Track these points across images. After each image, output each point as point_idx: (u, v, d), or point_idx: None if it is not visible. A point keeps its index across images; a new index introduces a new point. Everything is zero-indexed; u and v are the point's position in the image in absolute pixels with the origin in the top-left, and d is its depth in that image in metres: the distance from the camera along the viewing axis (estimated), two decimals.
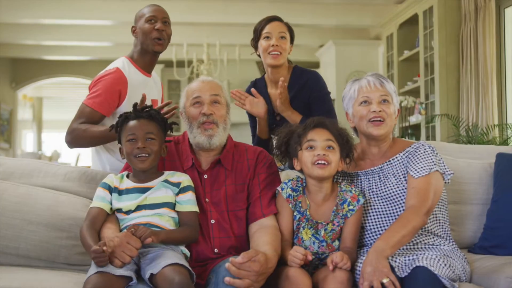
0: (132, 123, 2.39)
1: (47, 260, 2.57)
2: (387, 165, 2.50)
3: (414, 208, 2.31)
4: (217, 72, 9.13)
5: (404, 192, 2.41)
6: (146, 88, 3.10)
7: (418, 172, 2.38)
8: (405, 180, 2.43)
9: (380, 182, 2.49)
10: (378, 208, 2.45)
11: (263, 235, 2.35)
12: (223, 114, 2.53)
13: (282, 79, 3.08)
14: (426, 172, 2.37)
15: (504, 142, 5.51)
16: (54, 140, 17.29)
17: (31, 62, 12.24)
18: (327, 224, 2.39)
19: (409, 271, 2.16)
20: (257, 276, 2.08)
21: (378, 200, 2.46)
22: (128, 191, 2.37)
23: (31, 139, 15.64)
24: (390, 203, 2.43)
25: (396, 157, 2.49)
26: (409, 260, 2.24)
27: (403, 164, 2.46)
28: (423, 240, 2.39)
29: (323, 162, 2.35)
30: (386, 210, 2.43)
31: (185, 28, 9.35)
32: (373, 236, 2.45)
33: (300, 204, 2.43)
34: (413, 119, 7.47)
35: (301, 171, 2.46)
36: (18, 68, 12.51)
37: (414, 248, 2.37)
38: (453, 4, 6.68)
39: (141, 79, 3.09)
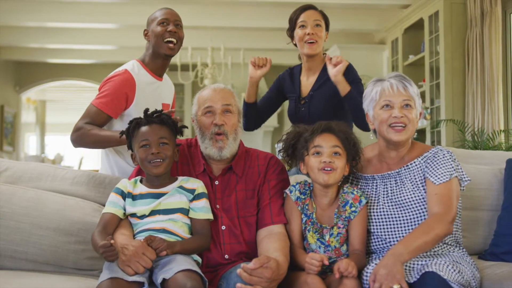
0: (144, 128, 2.38)
1: (55, 265, 2.56)
2: (404, 169, 2.47)
3: (438, 216, 2.28)
4: (222, 76, 9.12)
5: (420, 199, 2.40)
6: (155, 91, 3.09)
7: (439, 178, 2.36)
8: (422, 186, 2.41)
9: (396, 186, 2.47)
10: (391, 214, 2.42)
11: (273, 241, 2.34)
12: (235, 123, 2.52)
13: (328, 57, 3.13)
14: (447, 178, 2.36)
15: (510, 148, 5.50)
16: (57, 143, 17.32)
17: (35, 65, 12.23)
18: (332, 228, 2.39)
19: (418, 276, 2.15)
20: (269, 283, 2.07)
21: (392, 206, 2.43)
22: (142, 196, 2.36)
23: (34, 142, 15.66)
24: (404, 210, 2.41)
25: (414, 162, 2.46)
26: (418, 265, 2.24)
27: (421, 170, 2.44)
28: (433, 248, 2.37)
29: (329, 169, 2.35)
30: (399, 217, 2.41)
31: (190, 32, 9.24)
32: (383, 243, 2.43)
33: (307, 207, 2.43)
34: (418, 124, 7.43)
35: (308, 174, 2.46)
36: (22, 71, 12.50)
37: (423, 256, 2.34)
38: (459, 9, 6.67)
39: (151, 82, 3.07)
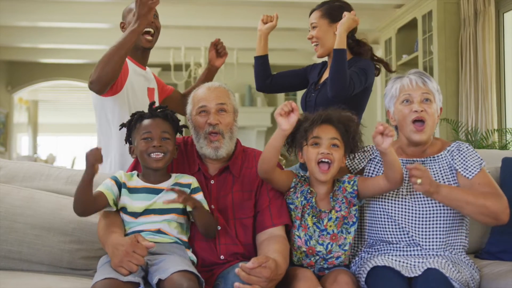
0: (147, 121, 2.37)
1: (50, 265, 2.54)
2: (430, 160, 2.50)
3: (496, 196, 2.33)
4: (215, 76, 9.09)
5: None
6: (142, 77, 3.12)
7: (470, 171, 2.41)
8: (447, 179, 2.44)
9: None
10: (408, 202, 2.42)
11: (272, 243, 2.32)
12: (230, 122, 2.49)
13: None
14: (478, 169, 2.41)
15: (504, 147, 5.51)
16: (49, 144, 17.27)
17: (28, 65, 12.18)
18: (330, 211, 2.39)
19: (419, 272, 2.16)
20: (267, 283, 2.06)
21: (410, 193, 2.43)
22: (138, 190, 2.33)
23: (26, 142, 15.61)
24: (421, 200, 2.41)
25: (440, 155, 2.49)
26: (419, 263, 2.26)
27: (447, 162, 2.47)
28: (433, 249, 2.39)
29: (326, 160, 2.35)
30: (415, 206, 2.41)
31: (183, 32, 9.33)
32: (391, 232, 2.42)
33: (308, 192, 2.44)
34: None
35: (305, 164, 2.46)
36: (14, 71, 12.44)
37: (423, 255, 2.36)
38: (452, 8, 6.68)
39: (137, 69, 3.08)
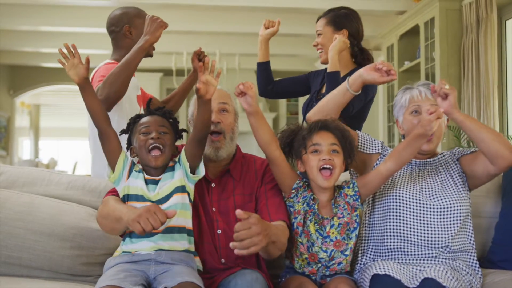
0: (145, 118, 2.36)
1: (50, 271, 2.53)
2: (438, 159, 2.56)
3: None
4: (218, 81, 9.10)
5: (453, 186, 2.46)
6: (135, 85, 3.13)
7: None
8: (456, 170, 2.50)
9: (431, 172, 2.53)
10: (420, 198, 2.43)
11: None
12: (231, 123, 2.51)
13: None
14: None
15: None
16: (51, 148, 17.28)
17: (30, 69, 12.21)
18: (332, 218, 2.40)
19: (417, 283, 2.17)
20: (258, 232, 1.97)
21: (421, 192, 2.45)
22: (146, 181, 2.31)
23: (28, 146, 15.62)
24: (432, 196, 2.43)
25: (443, 152, 2.57)
26: (417, 271, 2.26)
27: (451, 157, 2.56)
28: (434, 254, 2.38)
29: (328, 166, 2.35)
30: (427, 201, 2.42)
31: (185, 37, 9.34)
32: (407, 221, 2.41)
33: (311, 198, 2.44)
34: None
35: (304, 172, 2.46)
36: (16, 75, 12.47)
37: (423, 262, 2.36)
38: (455, 15, 6.68)
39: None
